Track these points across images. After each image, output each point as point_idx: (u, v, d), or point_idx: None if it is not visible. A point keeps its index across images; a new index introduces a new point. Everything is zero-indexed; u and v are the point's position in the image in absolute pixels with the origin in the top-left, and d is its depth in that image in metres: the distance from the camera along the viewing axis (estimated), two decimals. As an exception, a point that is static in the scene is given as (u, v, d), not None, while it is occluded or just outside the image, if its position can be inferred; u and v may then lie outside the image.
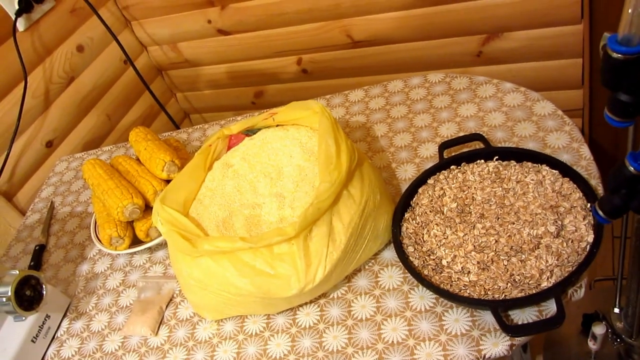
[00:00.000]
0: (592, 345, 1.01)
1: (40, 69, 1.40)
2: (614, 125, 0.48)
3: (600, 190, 0.80)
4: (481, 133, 0.91)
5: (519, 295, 0.70)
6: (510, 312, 0.71)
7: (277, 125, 0.94)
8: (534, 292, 0.69)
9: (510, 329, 0.67)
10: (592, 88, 1.36)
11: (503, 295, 0.70)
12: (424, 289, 0.76)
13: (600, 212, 0.57)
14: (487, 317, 0.71)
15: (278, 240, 0.74)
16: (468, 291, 0.73)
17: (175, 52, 1.72)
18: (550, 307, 0.70)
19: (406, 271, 0.77)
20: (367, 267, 0.85)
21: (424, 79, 1.13)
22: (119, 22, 1.64)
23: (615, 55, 0.43)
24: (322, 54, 1.57)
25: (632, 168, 0.49)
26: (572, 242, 0.73)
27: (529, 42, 1.33)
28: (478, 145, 0.90)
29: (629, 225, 0.87)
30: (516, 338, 0.68)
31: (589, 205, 0.76)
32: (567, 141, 0.89)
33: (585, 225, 0.74)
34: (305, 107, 0.89)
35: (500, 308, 0.68)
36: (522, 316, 0.70)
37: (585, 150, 0.87)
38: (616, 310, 0.98)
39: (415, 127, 1.03)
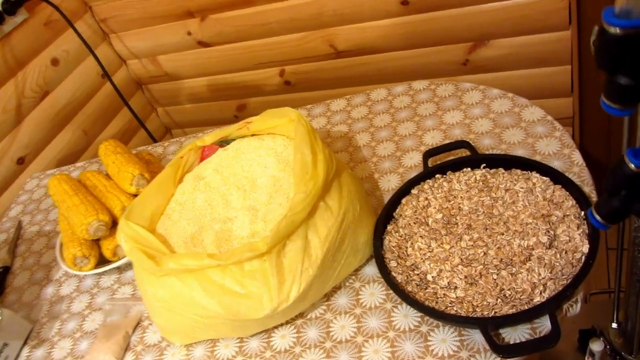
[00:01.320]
0: (590, 363, 0.95)
1: (12, 82, 1.35)
2: (611, 113, 0.43)
3: (594, 197, 0.75)
4: (468, 140, 0.86)
5: (510, 311, 0.64)
6: (501, 331, 0.66)
7: (253, 135, 0.89)
8: (526, 307, 0.64)
9: (502, 349, 0.61)
10: (582, 95, 1.32)
11: (493, 312, 0.65)
12: (408, 306, 0.70)
13: (598, 217, 0.52)
14: (476, 337, 0.66)
15: (249, 257, 0.68)
16: (455, 308, 0.67)
17: (154, 65, 1.67)
18: (544, 324, 0.64)
19: (389, 288, 0.71)
20: (347, 284, 0.79)
21: (408, 86, 1.08)
22: (97, 35, 1.59)
23: (612, 30, 0.37)
24: (305, 64, 1.53)
25: (633, 165, 0.43)
26: (565, 253, 0.68)
27: (516, 50, 1.29)
28: (464, 153, 0.86)
29: (626, 235, 0.82)
30: (508, 359, 0.62)
31: (582, 213, 0.71)
32: (557, 147, 0.84)
33: (579, 234, 0.69)
34: (281, 115, 0.84)
35: (489, 326, 0.63)
36: (514, 335, 0.65)
37: (577, 156, 0.82)
38: (614, 325, 0.93)
39: (399, 136, 0.98)
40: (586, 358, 0.96)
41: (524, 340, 0.64)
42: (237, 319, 0.69)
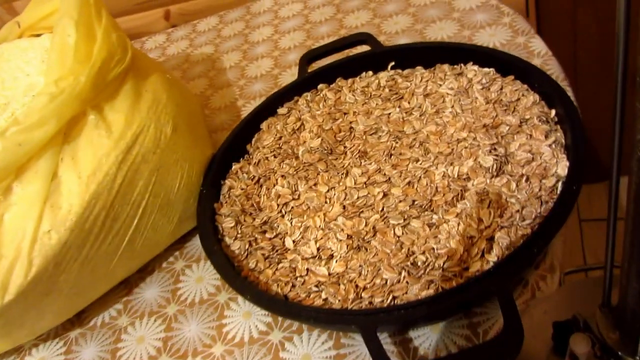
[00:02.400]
0: (571, 372, 0.65)
1: None
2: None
3: (570, 96, 0.44)
4: (368, 32, 0.54)
5: (424, 294, 0.32)
6: (411, 334, 0.34)
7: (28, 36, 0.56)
8: (454, 285, 0.32)
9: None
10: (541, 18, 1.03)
11: (390, 299, 0.33)
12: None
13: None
14: (364, 347, 0.33)
15: None
16: (324, 296, 0.35)
17: (10, 14, 1.31)
18: (492, 316, 0.33)
19: (217, 265, 0.39)
20: (164, 264, 0.46)
21: (302, -9, 0.76)
22: None
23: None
24: (193, 2, 1.20)
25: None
26: (527, 180, 0.37)
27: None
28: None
29: (629, 191, 0.53)
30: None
31: (553, 113, 0.40)
32: (507, 36, 0.54)
33: (549, 147, 0.38)
34: (55, -8, 0.51)
35: (381, 327, 0.31)
36: (436, 339, 0.33)
37: (538, 44, 0.51)
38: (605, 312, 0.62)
39: (281, 50, 0.66)
40: (565, 364, 0.65)
41: (454, 351, 0.32)
42: None
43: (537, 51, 0.51)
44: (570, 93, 0.45)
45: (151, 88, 0.45)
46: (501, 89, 0.44)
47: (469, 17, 0.58)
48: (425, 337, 0.34)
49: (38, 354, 0.43)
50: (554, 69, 0.48)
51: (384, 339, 0.34)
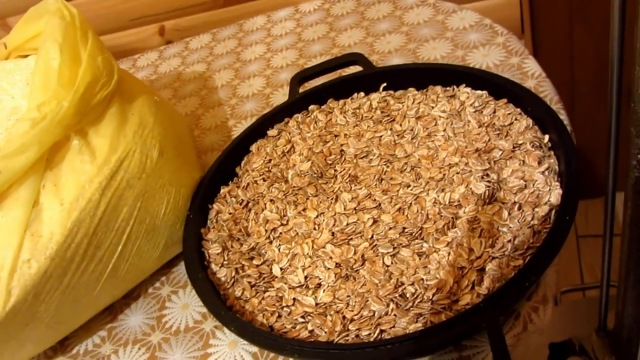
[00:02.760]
0: (568, 397, 0.64)
1: None
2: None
3: (563, 116, 0.44)
4: (360, 53, 0.54)
5: (413, 327, 0.31)
6: None
7: (18, 57, 0.55)
8: (443, 318, 0.31)
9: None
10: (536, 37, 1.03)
11: (377, 333, 0.32)
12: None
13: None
14: (352, 382, 0.32)
15: None
16: (310, 327, 0.34)
17: (4, 29, 1.31)
18: (482, 349, 0.32)
19: (203, 293, 0.38)
20: (150, 289, 0.45)
21: (295, 9, 0.76)
22: None
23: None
24: (188, 17, 1.20)
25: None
26: (520, 208, 0.36)
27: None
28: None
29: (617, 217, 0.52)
30: None
31: (546, 138, 0.39)
32: (501, 56, 0.53)
33: (542, 174, 0.37)
34: (41, 12, 0.50)
35: None
36: None
37: (532, 65, 0.51)
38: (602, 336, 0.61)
39: (273, 69, 0.66)
40: (562, 389, 0.65)
41: (443, 384, 0.31)
42: None
43: (530, 72, 0.50)
44: (564, 116, 0.45)
45: (137, 111, 0.44)
46: (494, 112, 0.43)
47: (463, 36, 0.58)
48: (415, 372, 0.33)
49: (19, 383, 0.42)
50: (547, 91, 0.48)
51: (372, 373, 0.33)
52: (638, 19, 0.31)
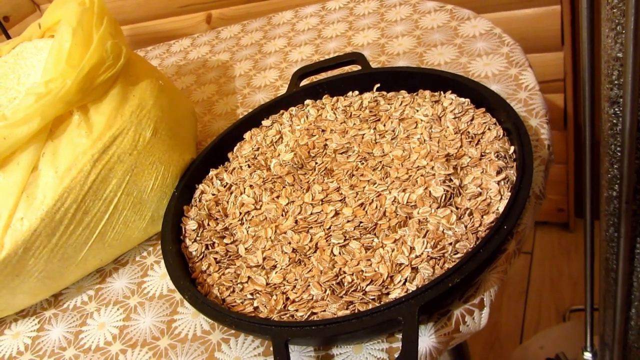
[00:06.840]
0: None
1: None
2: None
3: (543, 131, 0.44)
4: (361, 53, 0.56)
5: (339, 313, 0.33)
6: (334, 351, 0.35)
7: (50, 36, 0.60)
8: (369, 307, 0.33)
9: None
10: (577, 49, 1.00)
11: (309, 314, 0.34)
12: (200, 298, 0.40)
13: None
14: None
15: None
16: (255, 304, 0.37)
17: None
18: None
19: (174, 264, 0.41)
20: (137, 257, 0.49)
21: (321, 6, 0.78)
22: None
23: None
24: (234, 8, 1.25)
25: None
26: (470, 214, 0.37)
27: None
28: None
29: (597, 242, 0.53)
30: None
31: (512, 149, 0.40)
32: (501, 66, 0.53)
33: (497, 183, 0.38)
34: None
35: (292, 340, 0.32)
36: (356, 359, 0.34)
37: (528, 78, 0.51)
38: (587, 356, 0.61)
39: (288, 62, 0.69)
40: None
41: (366, 370, 0.33)
42: None
43: (525, 84, 0.50)
44: (545, 130, 0.45)
45: (139, 93, 0.48)
46: (472, 120, 0.44)
47: (470, 44, 0.58)
48: (346, 356, 0.35)
49: (16, 328, 0.47)
50: (537, 104, 0.48)
51: (308, 352, 0.35)
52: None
